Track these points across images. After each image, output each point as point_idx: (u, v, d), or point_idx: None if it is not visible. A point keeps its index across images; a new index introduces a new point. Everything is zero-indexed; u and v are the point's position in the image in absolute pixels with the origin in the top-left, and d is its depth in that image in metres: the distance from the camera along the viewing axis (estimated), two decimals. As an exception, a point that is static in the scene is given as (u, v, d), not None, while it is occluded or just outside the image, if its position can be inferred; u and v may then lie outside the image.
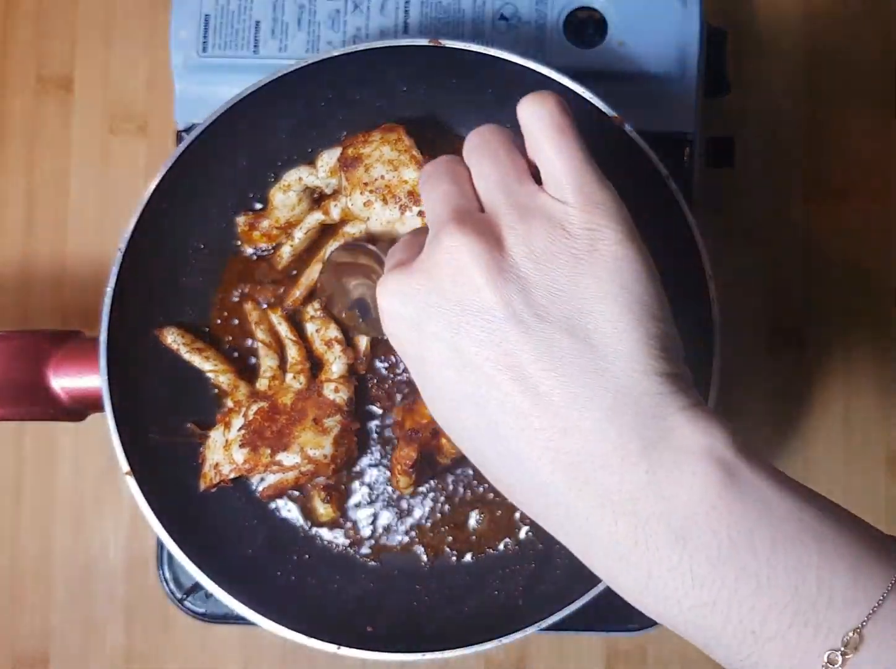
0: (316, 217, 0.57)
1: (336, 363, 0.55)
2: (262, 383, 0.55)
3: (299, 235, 0.57)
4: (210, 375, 0.56)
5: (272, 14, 0.61)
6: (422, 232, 0.37)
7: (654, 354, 0.32)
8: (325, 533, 0.59)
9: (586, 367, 0.31)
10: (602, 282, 0.32)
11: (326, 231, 0.58)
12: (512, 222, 0.33)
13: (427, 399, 0.35)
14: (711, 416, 0.31)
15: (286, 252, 0.58)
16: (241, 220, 0.58)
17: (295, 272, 0.59)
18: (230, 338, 0.59)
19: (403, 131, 0.54)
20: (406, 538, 0.59)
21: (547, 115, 0.34)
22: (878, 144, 0.69)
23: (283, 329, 0.56)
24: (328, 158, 0.56)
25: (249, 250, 0.59)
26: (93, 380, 0.53)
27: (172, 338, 0.55)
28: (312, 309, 0.56)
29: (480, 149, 0.36)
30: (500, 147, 0.35)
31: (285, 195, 0.57)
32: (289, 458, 0.52)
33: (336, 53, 0.53)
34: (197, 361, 0.55)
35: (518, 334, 0.31)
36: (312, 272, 0.57)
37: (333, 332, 0.55)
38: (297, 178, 0.57)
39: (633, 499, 0.29)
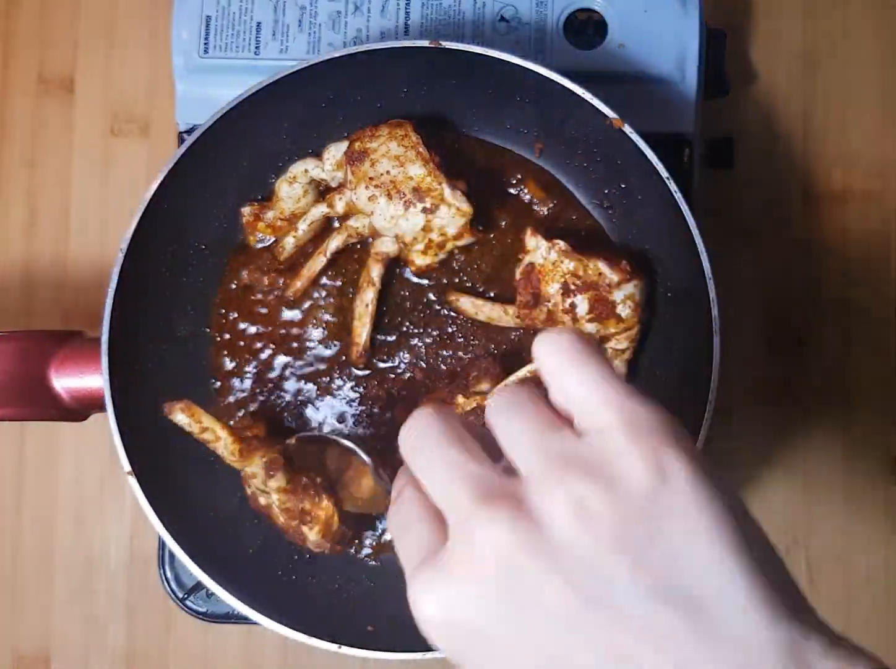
0: (320, 210, 0.57)
1: (311, 534, 0.53)
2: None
3: (303, 227, 0.57)
4: (223, 453, 0.52)
5: (273, 16, 0.61)
6: (423, 515, 0.31)
7: (774, 596, 0.26)
8: (325, 533, 0.59)
9: (702, 638, 0.25)
10: (688, 519, 0.26)
11: (329, 228, 0.58)
12: (548, 479, 0.27)
13: None
14: (854, 653, 0.27)
15: (289, 243, 0.58)
16: (246, 210, 0.58)
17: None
18: (229, 336, 0.59)
19: (411, 128, 0.54)
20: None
21: (565, 346, 0.30)
22: (877, 145, 0.69)
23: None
24: (335, 152, 0.56)
25: (253, 242, 0.59)
26: (94, 380, 0.53)
27: (183, 419, 0.51)
28: (275, 481, 0.52)
29: (510, 408, 0.30)
30: (528, 401, 0.30)
31: (291, 187, 0.57)
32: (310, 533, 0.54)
33: (337, 55, 0.53)
34: (209, 438, 0.52)
35: (607, 620, 0.26)
36: (315, 264, 0.57)
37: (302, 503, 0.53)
38: (303, 170, 0.57)
39: None
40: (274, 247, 0.59)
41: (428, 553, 0.29)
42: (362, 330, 0.57)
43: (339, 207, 0.56)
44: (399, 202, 0.53)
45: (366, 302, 0.56)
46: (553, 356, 0.30)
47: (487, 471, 0.29)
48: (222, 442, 0.51)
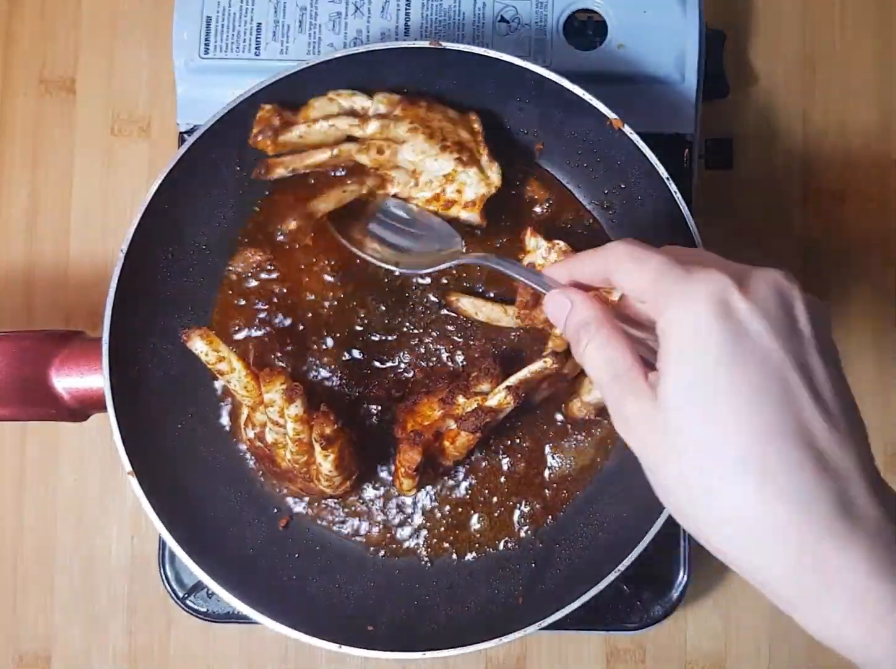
0: (347, 122, 0.53)
1: (325, 464, 0.52)
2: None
3: (323, 125, 0.54)
4: (235, 386, 0.51)
5: (273, 16, 0.61)
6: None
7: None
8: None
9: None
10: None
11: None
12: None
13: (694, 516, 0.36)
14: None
15: (297, 132, 0.53)
16: (268, 107, 0.54)
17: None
18: (236, 322, 0.59)
19: (476, 111, 0.55)
20: (407, 538, 0.59)
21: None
22: (877, 145, 0.69)
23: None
24: (390, 95, 0.54)
25: (261, 147, 0.54)
26: (95, 380, 0.53)
27: (201, 346, 0.50)
28: (295, 407, 0.50)
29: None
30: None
31: (328, 103, 0.54)
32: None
33: (337, 55, 0.53)
34: (224, 369, 0.51)
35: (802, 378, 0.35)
36: (314, 155, 0.54)
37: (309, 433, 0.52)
38: (350, 93, 0.54)
39: None
40: (280, 129, 0.53)
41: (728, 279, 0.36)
42: (321, 204, 0.53)
43: (371, 128, 0.53)
44: (438, 143, 0.52)
45: (344, 189, 0.53)
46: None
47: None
48: (236, 374, 0.50)
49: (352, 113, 0.54)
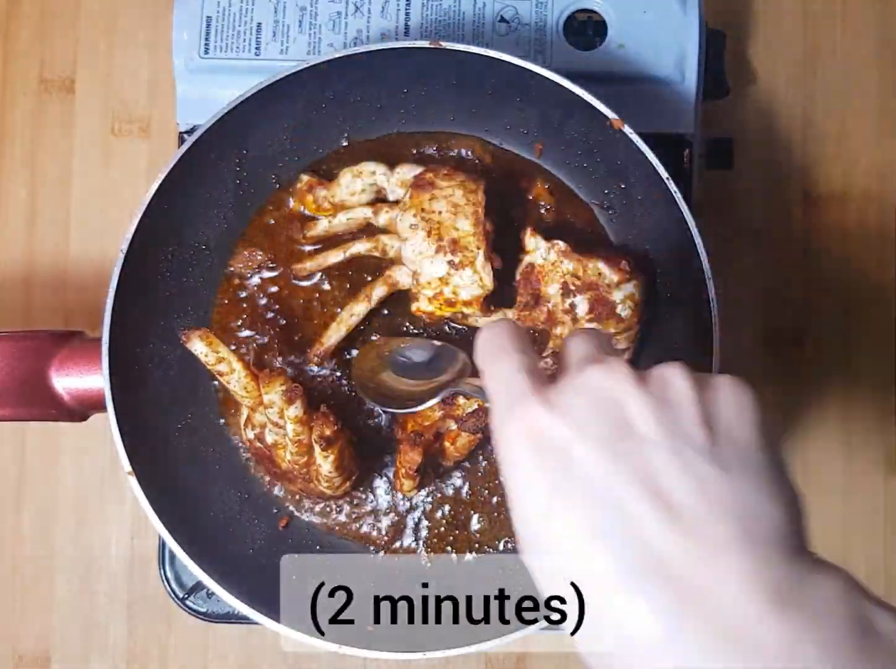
0: (364, 213, 0.58)
1: (325, 465, 0.52)
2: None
3: (342, 218, 0.58)
4: (235, 386, 0.51)
5: (273, 16, 0.61)
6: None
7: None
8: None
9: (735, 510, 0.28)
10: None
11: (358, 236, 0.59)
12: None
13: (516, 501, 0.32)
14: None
15: (322, 225, 0.59)
16: (304, 178, 0.59)
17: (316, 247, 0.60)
18: (236, 322, 0.59)
19: (482, 189, 0.54)
20: (407, 538, 0.59)
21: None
22: (877, 146, 0.69)
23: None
24: (407, 172, 0.57)
25: (296, 208, 0.60)
26: (95, 380, 0.53)
27: (200, 347, 0.50)
28: (294, 408, 0.50)
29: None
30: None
31: (353, 180, 0.57)
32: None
33: (337, 55, 0.53)
34: (224, 369, 0.51)
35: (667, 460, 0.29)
36: (331, 255, 0.58)
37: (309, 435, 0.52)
38: (372, 171, 0.57)
39: None
40: (308, 223, 0.59)
41: (539, 386, 0.32)
42: (333, 335, 0.57)
43: (382, 219, 0.57)
44: (433, 243, 0.53)
45: (353, 312, 0.57)
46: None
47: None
48: (236, 375, 0.50)
49: (376, 188, 0.58)
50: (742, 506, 0.28)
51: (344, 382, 0.59)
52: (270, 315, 0.59)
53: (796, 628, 0.26)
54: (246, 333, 0.59)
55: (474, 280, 0.53)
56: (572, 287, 0.53)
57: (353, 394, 0.59)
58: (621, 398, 0.30)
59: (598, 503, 0.29)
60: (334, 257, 0.58)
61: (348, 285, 0.59)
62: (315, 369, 0.59)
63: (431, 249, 0.53)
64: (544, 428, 0.30)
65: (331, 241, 0.59)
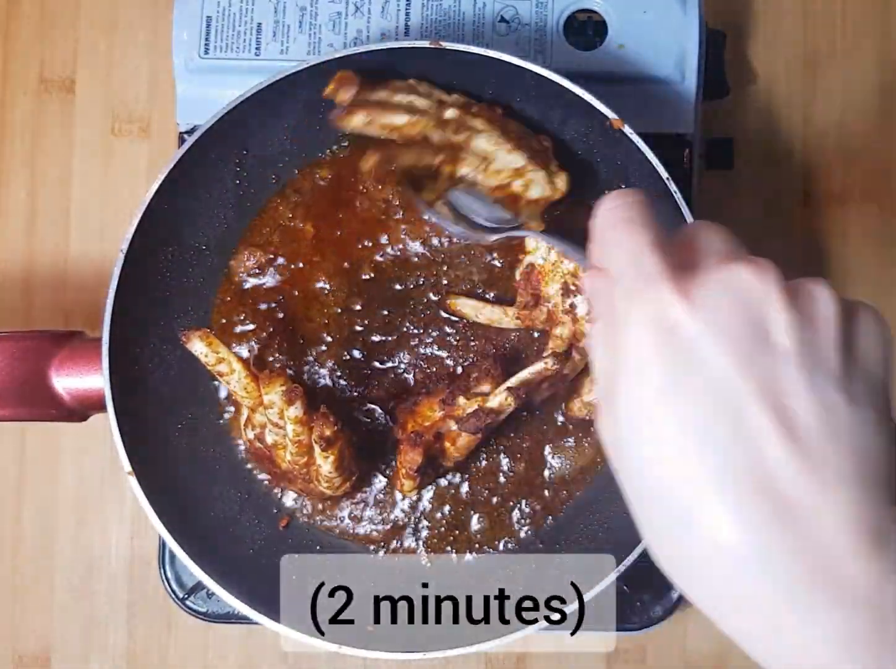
0: (427, 118, 0.54)
1: (325, 465, 0.52)
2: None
3: (400, 119, 0.53)
4: (235, 387, 0.51)
5: (273, 16, 0.61)
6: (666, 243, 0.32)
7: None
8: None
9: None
10: None
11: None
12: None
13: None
14: None
15: (358, 120, 0.53)
16: (349, 72, 0.54)
17: None
18: (236, 323, 0.59)
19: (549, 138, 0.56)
20: (407, 538, 0.59)
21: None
22: (877, 145, 0.69)
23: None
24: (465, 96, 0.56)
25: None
26: (95, 380, 0.53)
27: (201, 348, 0.49)
28: (294, 409, 0.50)
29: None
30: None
31: (409, 87, 0.54)
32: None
33: (337, 55, 0.53)
34: (224, 370, 0.50)
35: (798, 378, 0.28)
36: (384, 116, 0.53)
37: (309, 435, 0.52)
38: (430, 84, 0.55)
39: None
40: (355, 94, 0.53)
41: (675, 269, 0.30)
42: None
43: (449, 113, 0.53)
44: (512, 141, 0.53)
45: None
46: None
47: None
48: (236, 375, 0.50)
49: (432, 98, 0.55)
50: (863, 442, 0.28)
51: (343, 382, 0.59)
52: (271, 315, 0.59)
53: (886, 569, 0.27)
54: (246, 332, 0.59)
55: (549, 181, 0.53)
56: (572, 287, 0.53)
57: (354, 394, 0.59)
58: (765, 304, 0.29)
59: (716, 406, 0.28)
60: (391, 117, 0.52)
61: (353, 283, 0.59)
62: (317, 371, 0.59)
63: (510, 143, 0.53)
64: (676, 318, 0.29)
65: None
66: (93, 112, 0.70)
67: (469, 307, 0.58)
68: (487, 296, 0.59)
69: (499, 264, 0.59)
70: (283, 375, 0.49)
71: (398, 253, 0.59)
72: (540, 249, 0.54)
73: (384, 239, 0.59)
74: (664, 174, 0.52)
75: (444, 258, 0.59)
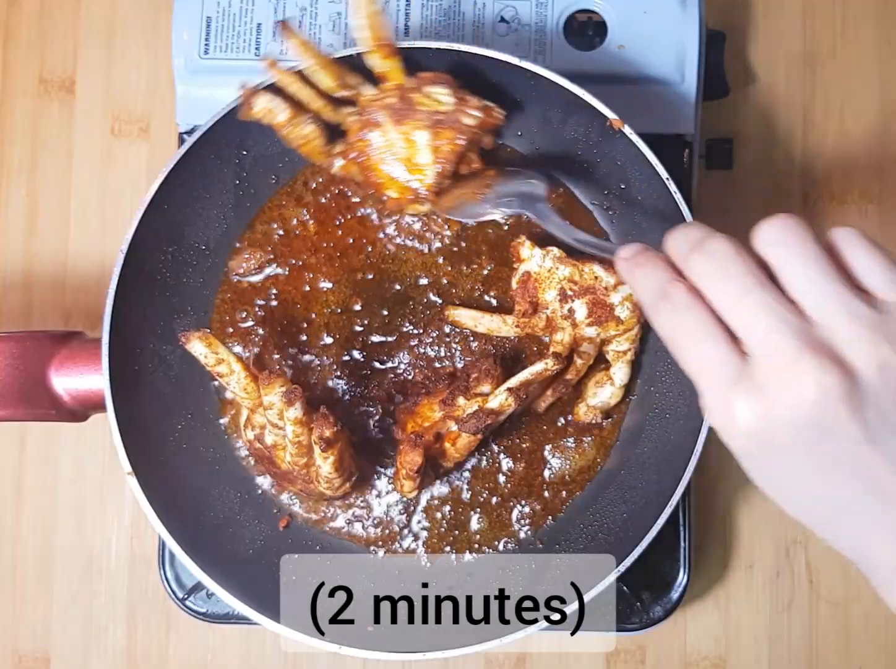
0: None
1: (325, 466, 0.52)
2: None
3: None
4: (234, 388, 0.51)
5: (273, 17, 0.61)
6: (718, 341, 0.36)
7: None
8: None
9: None
10: None
11: None
12: (860, 339, 0.33)
13: (763, 485, 0.38)
14: None
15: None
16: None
17: None
18: (235, 323, 0.59)
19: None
20: (407, 539, 0.59)
21: (851, 231, 0.36)
22: (877, 146, 0.69)
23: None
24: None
25: None
26: (95, 381, 0.53)
27: (200, 349, 0.49)
28: (294, 410, 0.49)
29: (793, 248, 0.36)
30: (815, 247, 0.35)
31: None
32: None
33: (337, 55, 0.53)
34: (223, 371, 0.50)
35: (875, 454, 0.33)
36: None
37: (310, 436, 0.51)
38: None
39: None
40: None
41: (737, 371, 0.34)
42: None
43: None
44: (416, 124, 0.52)
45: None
46: (849, 237, 0.36)
47: (801, 321, 0.34)
48: (235, 376, 0.50)
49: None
50: None
51: (343, 383, 0.59)
52: (270, 315, 0.59)
53: None
54: (246, 332, 0.59)
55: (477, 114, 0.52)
56: (570, 292, 0.53)
57: (354, 394, 0.59)
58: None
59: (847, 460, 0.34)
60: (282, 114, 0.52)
61: (353, 283, 0.59)
62: (317, 371, 0.59)
63: (412, 124, 0.52)
64: (838, 412, 0.33)
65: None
66: (93, 112, 0.70)
67: (468, 318, 0.58)
68: (488, 296, 0.59)
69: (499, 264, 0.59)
70: (283, 375, 0.49)
71: (398, 253, 0.59)
72: (535, 257, 0.54)
73: (384, 239, 0.59)
74: (664, 174, 0.52)
75: (444, 258, 0.59)
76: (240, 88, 0.52)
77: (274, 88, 0.52)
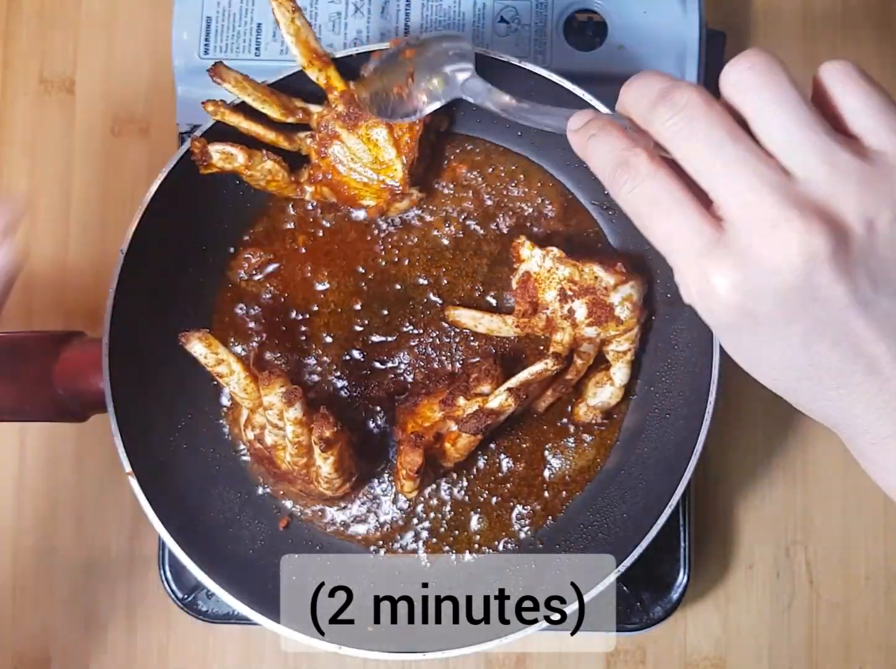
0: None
1: (325, 466, 0.52)
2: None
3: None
4: (234, 388, 0.51)
5: (273, 16, 0.61)
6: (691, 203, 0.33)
7: None
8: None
9: None
10: None
11: None
12: (846, 194, 0.30)
13: (741, 360, 0.36)
14: None
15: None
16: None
17: None
18: (235, 323, 0.59)
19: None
20: (407, 539, 0.59)
21: (842, 66, 0.34)
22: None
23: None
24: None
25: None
26: (95, 381, 0.53)
27: (200, 349, 0.49)
28: (294, 410, 0.49)
29: (762, 90, 0.32)
30: (790, 90, 0.32)
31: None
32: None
33: (337, 55, 0.53)
34: (223, 371, 0.50)
35: (861, 318, 0.31)
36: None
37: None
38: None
39: None
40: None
41: (711, 239, 0.32)
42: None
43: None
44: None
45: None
46: (838, 73, 0.34)
47: (781, 177, 0.31)
48: (235, 376, 0.50)
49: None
50: None
51: (343, 383, 0.59)
52: (270, 315, 0.59)
53: None
54: (246, 332, 0.59)
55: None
56: (570, 292, 0.53)
57: (354, 394, 0.59)
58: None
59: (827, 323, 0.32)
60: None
61: (353, 283, 0.59)
62: (317, 371, 0.59)
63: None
64: (821, 273, 0.31)
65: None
66: (93, 112, 0.70)
67: (468, 318, 0.58)
68: (488, 296, 0.59)
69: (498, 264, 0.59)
70: (283, 376, 0.49)
71: (398, 253, 0.59)
72: (535, 257, 0.54)
73: (384, 239, 0.59)
74: (664, 174, 0.52)
75: (444, 258, 0.59)
76: (190, 140, 0.52)
77: (225, 132, 0.53)
